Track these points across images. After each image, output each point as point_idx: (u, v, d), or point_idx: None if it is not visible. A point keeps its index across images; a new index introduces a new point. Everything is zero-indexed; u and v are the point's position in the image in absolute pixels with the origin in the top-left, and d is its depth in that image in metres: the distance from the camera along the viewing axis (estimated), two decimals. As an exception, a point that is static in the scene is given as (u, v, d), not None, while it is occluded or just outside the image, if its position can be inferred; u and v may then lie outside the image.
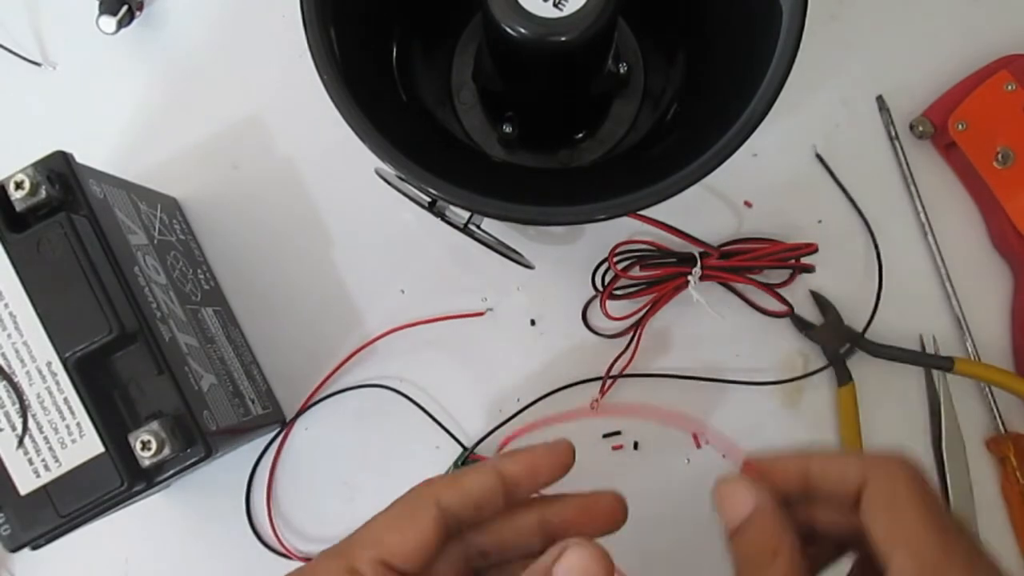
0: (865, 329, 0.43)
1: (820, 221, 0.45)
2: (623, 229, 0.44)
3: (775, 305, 0.44)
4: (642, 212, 0.38)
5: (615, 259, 0.42)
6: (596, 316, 0.44)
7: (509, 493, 0.28)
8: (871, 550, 0.25)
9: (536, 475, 0.28)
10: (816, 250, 0.43)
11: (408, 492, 0.28)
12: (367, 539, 0.27)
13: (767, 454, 0.28)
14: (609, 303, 0.43)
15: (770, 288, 0.43)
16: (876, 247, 0.44)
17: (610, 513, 0.28)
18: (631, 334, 0.43)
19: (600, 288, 0.43)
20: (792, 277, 0.44)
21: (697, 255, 0.42)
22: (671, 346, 0.44)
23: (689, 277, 0.42)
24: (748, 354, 0.44)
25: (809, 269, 0.44)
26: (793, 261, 0.43)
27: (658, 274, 0.43)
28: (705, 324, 0.44)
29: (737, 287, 0.44)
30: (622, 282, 0.43)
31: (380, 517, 0.28)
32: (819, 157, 0.45)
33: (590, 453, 0.44)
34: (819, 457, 0.27)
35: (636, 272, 0.43)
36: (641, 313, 0.43)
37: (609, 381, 0.43)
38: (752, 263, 0.43)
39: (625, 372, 0.44)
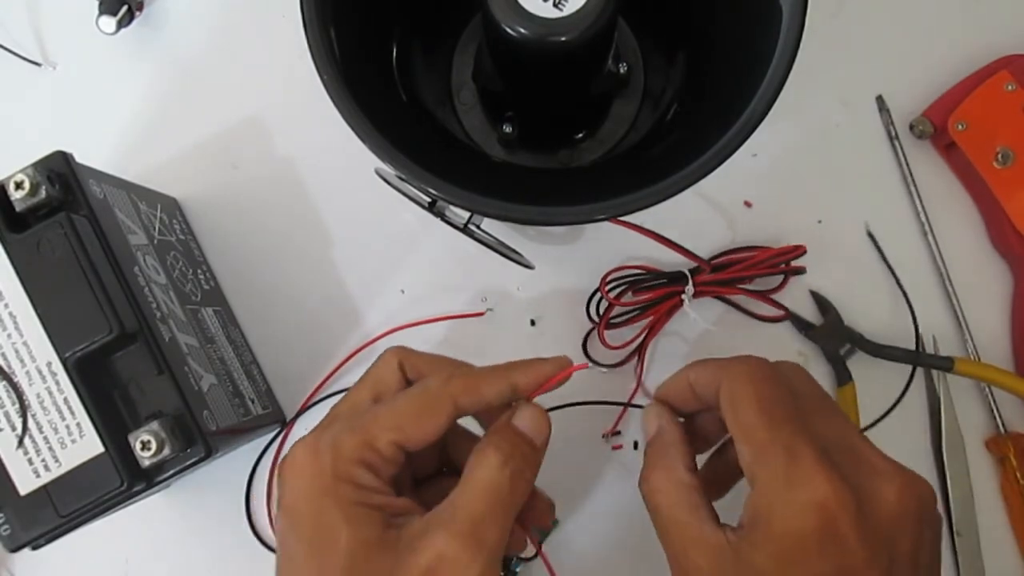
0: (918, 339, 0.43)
1: (820, 221, 0.45)
2: (622, 235, 0.44)
3: (772, 311, 0.44)
4: (639, 223, 0.39)
5: (607, 288, 0.42)
6: (596, 347, 0.44)
7: (514, 397, 0.32)
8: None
9: (541, 387, 0.32)
10: (804, 252, 0.43)
11: (430, 386, 0.31)
12: (388, 422, 0.30)
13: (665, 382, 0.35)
14: (607, 332, 0.43)
15: (764, 295, 0.43)
16: (878, 247, 0.44)
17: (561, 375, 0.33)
18: (634, 360, 0.44)
19: (596, 319, 0.43)
20: (785, 281, 0.44)
21: (688, 273, 0.42)
22: (671, 362, 0.44)
23: (683, 296, 0.42)
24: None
25: (800, 271, 0.44)
26: (783, 266, 0.43)
27: (652, 297, 0.43)
28: (704, 335, 0.44)
29: (732, 298, 0.44)
30: (617, 310, 0.43)
31: (400, 403, 0.31)
32: (819, 158, 0.45)
33: (590, 453, 0.44)
34: (694, 368, 0.33)
35: (629, 298, 0.43)
36: (640, 339, 0.43)
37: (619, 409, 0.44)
38: (744, 273, 0.43)
39: (632, 402, 0.44)
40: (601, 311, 0.43)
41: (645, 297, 0.43)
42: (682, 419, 0.34)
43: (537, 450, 0.32)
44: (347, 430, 0.30)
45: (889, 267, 0.44)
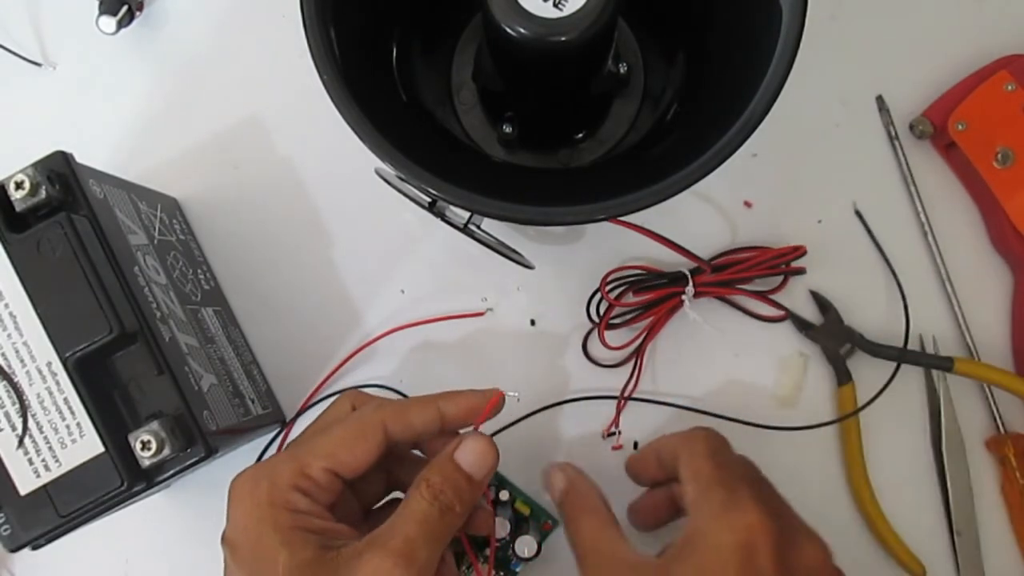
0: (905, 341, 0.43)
1: (820, 221, 0.45)
2: (622, 235, 0.44)
3: (772, 311, 0.44)
4: (639, 223, 0.39)
5: (607, 288, 0.42)
6: (596, 347, 0.44)
7: (443, 427, 0.34)
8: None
9: (471, 418, 0.34)
10: (805, 252, 0.43)
11: (361, 414, 0.33)
12: (320, 450, 0.32)
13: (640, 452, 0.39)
14: (608, 333, 0.43)
15: (763, 296, 0.43)
16: (878, 247, 0.44)
17: (491, 405, 0.35)
18: (633, 360, 0.44)
19: (596, 319, 0.43)
20: (785, 282, 0.44)
21: (688, 273, 0.42)
22: (671, 362, 0.44)
23: (683, 296, 0.42)
24: (747, 355, 0.44)
25: (800, 272, 0.44)
26: (784, 266, 0.43)
27: (652, 297, 0.43)
28: (704, 335, 0.44)
29: (732, 298, 0.44)
30: (617, 310, 0.43)
31: (334, 431, 0.33)
32: (819, 158, 0.45)
33: (590, 452, 0.44)
34: (660, 440, 0.37)
35: (630, 299, 0.43)
36: (640, 339, 0.43)
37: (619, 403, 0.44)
38: (744, 274, 0.43)
39: (634, 395, 0.44)
40: (601, 312, 0.43)
41: (645, 298, 0.43)
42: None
43: (474, 483, 0.33)
44: (283, 460, 0.32)
45: (889, 267, 0.44)
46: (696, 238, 0.43)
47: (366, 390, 0.45)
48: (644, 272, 0.43)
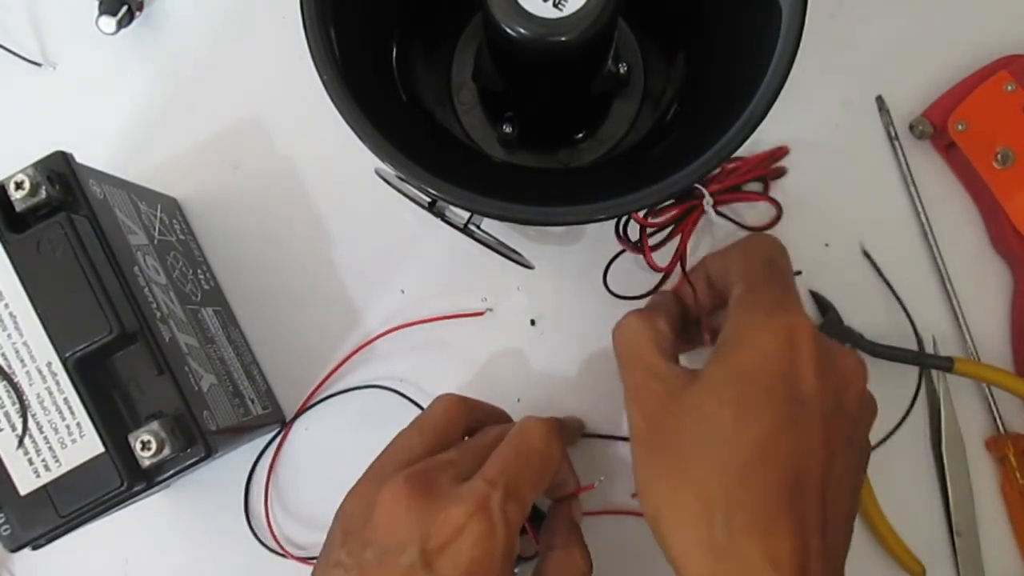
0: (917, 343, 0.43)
1: (820, 221, 0.45)
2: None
3: (763, 218, 0.45)
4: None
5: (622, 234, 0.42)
6: (618, 278, 0.44)
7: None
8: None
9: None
10: (788, 151, 0.45)
11: (547, 438, 0.34)
12: (532, 479, 0.33)
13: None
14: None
15: (767, 196, 0.45)
16: (878, 248, 0.44)
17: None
18: (670, 271, 0.42)
19: (634, 242, 0.42)
20: (767, 186, 0.45)
21: (699, 185, 0.42)
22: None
23: (704, 205, 0.42)
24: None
25: (782, 171, 0.45)
26: (770, 168, 0.45)
27: (677, 213, 0.42)
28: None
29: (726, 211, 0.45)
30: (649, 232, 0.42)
31: (535, 458, 0.33)
32: (819, 158, 0.45)
33: (591, 452, 0.44)
34: (707, 259, 0.37)
35: (656, 220, 0.42)
36: (676, 258, 0.42)
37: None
38: (741, 178, 0.44)
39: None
40: (633, 237, 0.42)
41: (671, 214, 0.42)
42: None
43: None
44: (511, 500, 0.31)
45: (888, 267, 0.44)
46: (690, 243, 0.43)
47: (369, 391, 0.45)
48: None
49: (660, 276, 0.42)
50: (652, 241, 0.42)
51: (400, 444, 0.35)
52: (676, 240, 0.42)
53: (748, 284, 0.33)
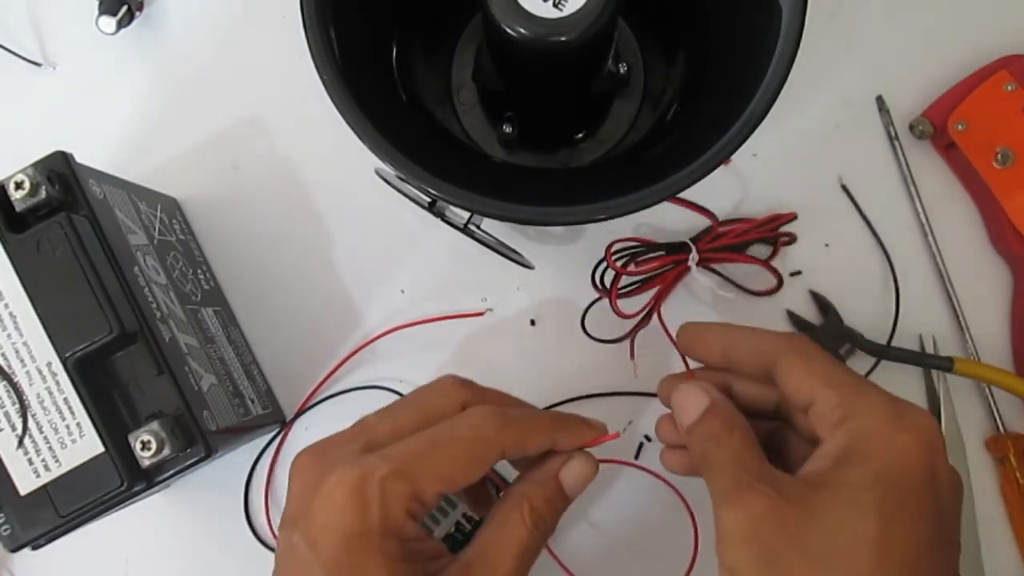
0: (890, 340, 0.44)
1: (820, 222, 0.45)
2: (623, 226, 0.44)
3: (765, 284, 0.44)
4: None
5: (613, 258, 0.42)
6: (596, 322, 0.44)
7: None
8: (786, 414, 0.32)
9: (580, 446, 0.32)
10: (795, 217, 0.44)
11: (481, 434, 0.30)
12: (436, 472, 0.29)
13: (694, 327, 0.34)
14: (619, 302, 0.42)
15: (765, 262, 0.44)
16: (879, 247, 0.44)
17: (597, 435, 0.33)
18: (633, 336, 0.43)
19: (605, 288, 0.43)
20: (776, 251, 0.44)
21: (690, 241, 0.42)
22: (668, 359, 0.44)
23: (689, 262, 0.42)
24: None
25: (792, 239, 0.44)
26: (775, 232, 0.44)
27: (658, 265, 0.42)
28: (702, 314, 0.44)
29: (725, 273, 0.44)
30: (625, 280, 0.42)
31: (451, 451, 0.30)
32: (819, 158, 0.45)
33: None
34: (738, 331, 0.33)
35: (636, 269, 0.43)
36: (647, 309, 0.43)
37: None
38: (742, 239, 0.43)
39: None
40: (607, 283, 0.43)
41: (651, 266, 0.42)
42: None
43: (568, 501, 0.32)
44: (394, 478, 0.28)
45: (891, 267, 0.44)
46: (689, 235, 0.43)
47: (369, 391, 0.45)
48: (645, 244, 0.43)
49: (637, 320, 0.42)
50: (627, 289, 0.42)
51: (379, 415, 0.32)
52: (645, 296, 0.43)
53: (842, 389, 0.29)
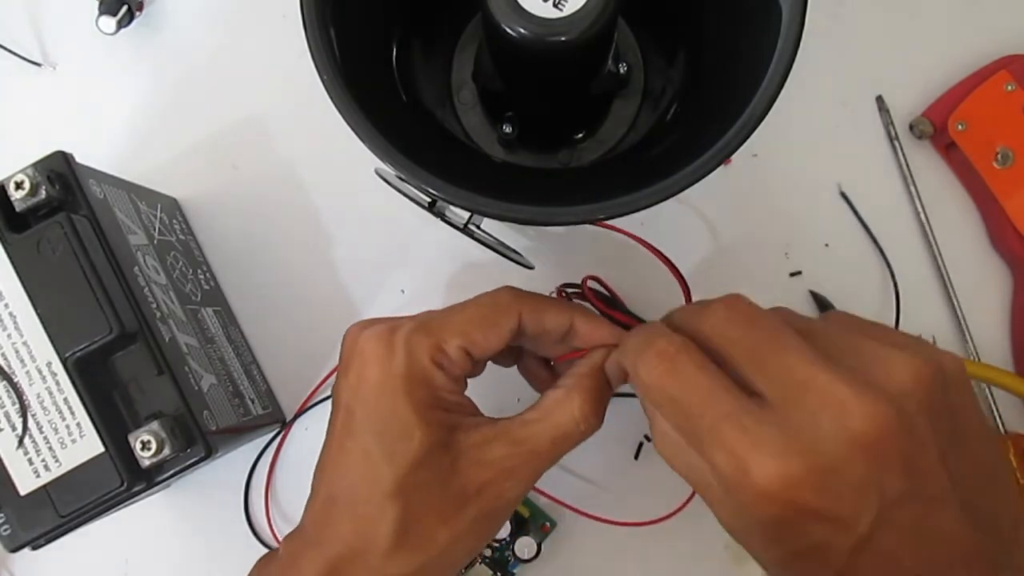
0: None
1: (819, 222, 0.45)
2: (621, 236, 0.44)
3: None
4: (635, 232, 0.39)
5: (588, 284, 0.40)
6: None
7: (566, 339, 0.34)
8: None
9: (597, 341, 0.34)
10: None
11: (496, 296, 0.33)
12: (456, 328, 0.32)
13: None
14: None
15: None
16: (878, 247, 0.44)
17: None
18: None
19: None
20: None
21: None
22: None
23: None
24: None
25: None
26: None
27: (620, 321, 0.41)
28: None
29: None
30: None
31: (469, 311, 0.33)
32: (819, 158, 0.45)
33: (592, 452, 0.44)
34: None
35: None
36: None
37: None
38: None
39: None
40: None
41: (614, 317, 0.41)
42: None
43: (612, 392, 0.33)
44: (418, 331, 0.32)
45: (889, 267, 0.44)
46: (683, 241, 0.43)
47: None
48: (615, 299, 0.42)
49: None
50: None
51: (446, 310, 0.34)
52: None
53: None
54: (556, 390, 0.33)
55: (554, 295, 0.40)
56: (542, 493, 0.43)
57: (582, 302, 0.41)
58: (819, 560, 0.26)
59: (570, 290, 0.42)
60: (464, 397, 0.33)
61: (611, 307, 0.41)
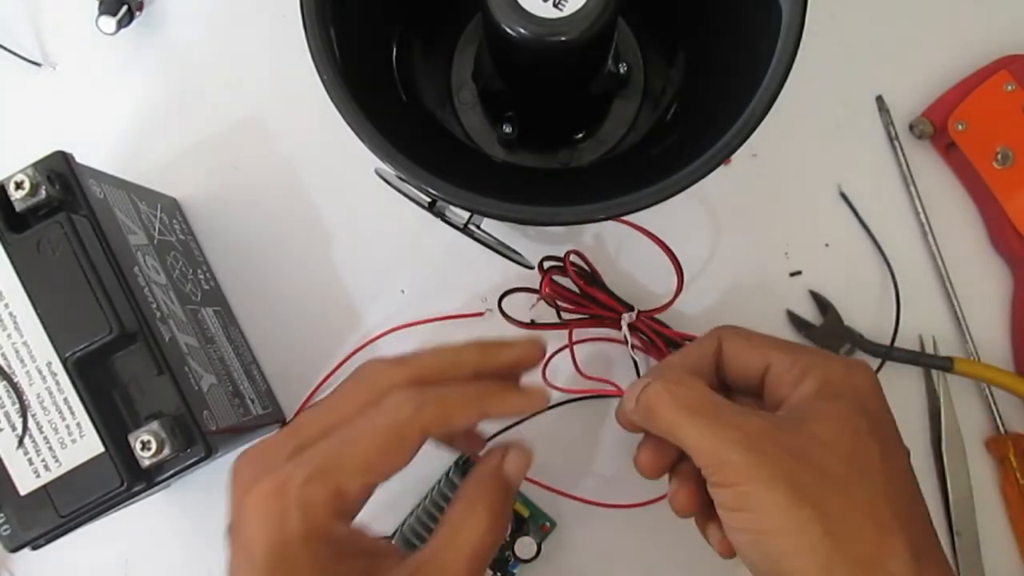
0: (892, 340, 0.43)
1: (819, 221, 0.45)
2: (622, 236, 0.44)
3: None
4: (639, 223, 0.39)
5: (570, 259, 0.42)
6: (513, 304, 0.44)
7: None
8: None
9: (512, 413, 0.32)
10: None
11: (395, 419, 0.29)
12: (354, 465, 0.28)
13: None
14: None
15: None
16: (878, 247, 0.44)
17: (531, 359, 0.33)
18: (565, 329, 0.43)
19: (543, 270, 0.42)
20: None
21: (635, 309, 0.42)
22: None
23: (623, 318, 0.42)
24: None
25: None
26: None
27: (601, 299, 0.42)
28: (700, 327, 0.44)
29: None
30: (564, 282, 0.43)
31: (366, 441, 0.29)
32: (819, 158, 0.45)
33: (592, 452, 0.44)
34: (678, 352, 0.37)
35: (578, 291, 0.43)
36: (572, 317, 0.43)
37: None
38: (674, 337, 0.43)
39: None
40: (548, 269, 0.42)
41: (595, 295, 0.42)
42: None
43: (515, 493, 0.32)
44: (312, 482, 0.28)
45: (889, 267, 0.44)
46: (683, 239, 0.43)
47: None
48: (595, 277, 0.43)
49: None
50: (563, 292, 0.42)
51: (308, 414, 0.31)
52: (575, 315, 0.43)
53: (788, 348, 0.34)
54: (459, 505, 0.31)
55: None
56: (541, 485, 0.43)
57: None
58: None
59: (551, 263, 0.42)
60: (375, 539, 0.30)
61: (591, 285, 0.42)
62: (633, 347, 0.42)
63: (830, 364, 0.32)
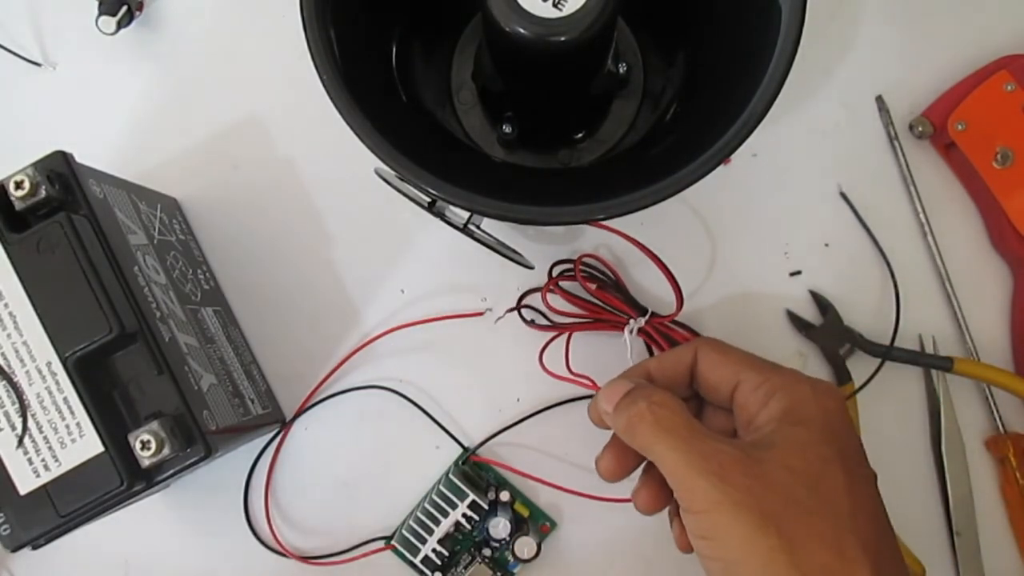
0: (892, 340, 0.43)
1: (819, 221, 0.45)
2: (621, 238, 0.44)
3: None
4: (636, 237, 0.39)
5: (580, 266, 0.42)
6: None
7: None
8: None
9: None
10: None
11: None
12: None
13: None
14: (550, 296, 0.43)
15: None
16: (878, 247, 0.44)
17: None
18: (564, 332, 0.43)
19: (551, 276, 0.43)
20: None
21: (649, 312, 0.42)
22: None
23: (629, 324, 0.42)
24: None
25: None
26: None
27: (611, 303, 0.43)
28: (703, 325, 0.44)
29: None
30: (571, 288, 0.43)
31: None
32: (819, 158, 0.45)
33: (590, 453, 0.44)
34: (655, 358, 0.38)
35: (586, 294, 0.43)
36: (571, 321, 0.43)
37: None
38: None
39: None
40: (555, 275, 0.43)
41: (597, 303, 0.43)
42: None
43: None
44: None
45: (889, 267, 0.44)
46: (681, 243, 0.43)
47: (368, 391, 0.45)
48: (613, 279, 0.43)
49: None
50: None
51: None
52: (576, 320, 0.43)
53: (759, 367, 0.34)
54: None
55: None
56: (541, 481, 0.43)
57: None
58: None
59: (561, 266, 0.42)
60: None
61: (602, 290, 0.42)
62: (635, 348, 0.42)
63: (797, 387, 0.33)
